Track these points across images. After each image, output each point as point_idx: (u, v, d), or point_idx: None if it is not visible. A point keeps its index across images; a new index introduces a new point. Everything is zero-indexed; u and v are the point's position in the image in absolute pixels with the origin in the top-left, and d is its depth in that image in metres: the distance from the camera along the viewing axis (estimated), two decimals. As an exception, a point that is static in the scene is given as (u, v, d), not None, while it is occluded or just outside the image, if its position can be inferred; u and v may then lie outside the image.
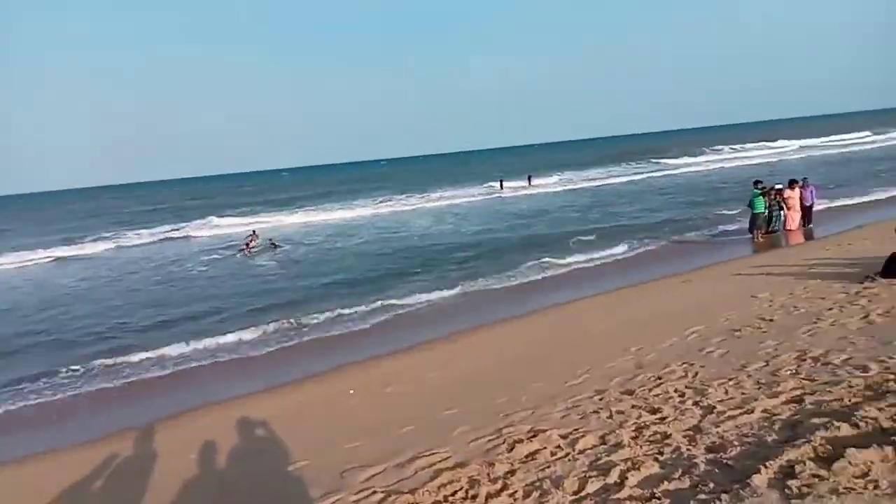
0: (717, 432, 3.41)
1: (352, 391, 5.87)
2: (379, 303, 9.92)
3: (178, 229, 26.14)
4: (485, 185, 36.69)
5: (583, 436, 3.84)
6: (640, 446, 3.47)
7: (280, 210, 31.85)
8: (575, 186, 31.62)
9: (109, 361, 7.91)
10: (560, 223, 18.20)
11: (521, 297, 9.71)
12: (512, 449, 3.87)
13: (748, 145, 50.39)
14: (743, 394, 4.04)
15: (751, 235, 12.66)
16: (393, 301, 10.04)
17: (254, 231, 19.54)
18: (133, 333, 9.46)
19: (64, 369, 7.66)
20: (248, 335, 8.67)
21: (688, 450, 3.24)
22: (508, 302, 9.43)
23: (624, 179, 33.01)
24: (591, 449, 3.62)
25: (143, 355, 8.03)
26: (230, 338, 8.56)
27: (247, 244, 17.90)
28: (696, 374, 4.75)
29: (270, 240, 18.53)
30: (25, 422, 6.41)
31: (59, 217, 46.11)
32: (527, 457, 3.71)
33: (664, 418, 3.88)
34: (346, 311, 9.56)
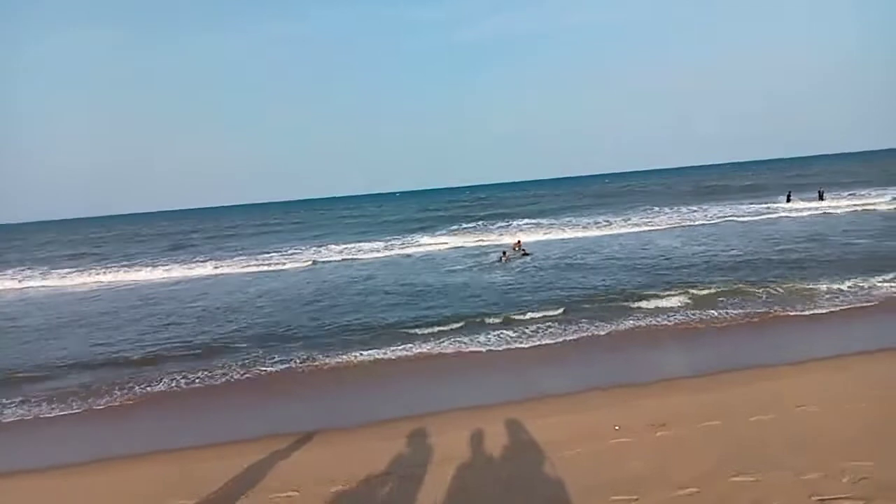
0: None
1: (617, 427, 5.10)
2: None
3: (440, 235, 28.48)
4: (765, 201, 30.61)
5: None
6: None
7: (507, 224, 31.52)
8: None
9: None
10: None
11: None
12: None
13: None
14: None
15: None
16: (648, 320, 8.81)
17: (518, 241, 20.98)
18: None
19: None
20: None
21: None
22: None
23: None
24: None
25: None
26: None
27: (504, 252, 18.87)
28: None
29: (523, 249, 19.34)
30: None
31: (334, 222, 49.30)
32: None
33: None
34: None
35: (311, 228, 42.09)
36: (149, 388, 7.95)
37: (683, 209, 30.81)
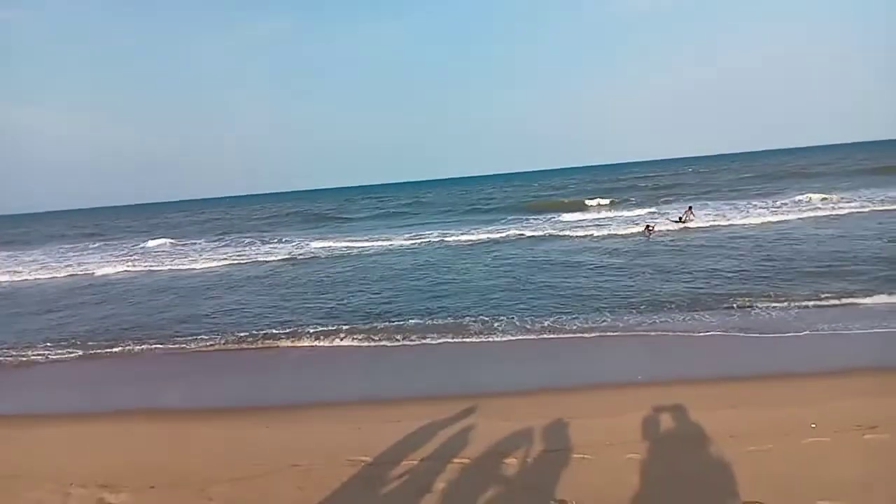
0: None
1: (813, 425, 4.58)
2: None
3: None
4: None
5: None
6: None
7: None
8: None
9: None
10: None
11: None
12: None
13: None
14: None
15: None
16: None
17: (690, 207, 21.05)
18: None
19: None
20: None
21: None
22: None
23: None
24: None
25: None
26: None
27: (648, 227, 18.70)
28: None
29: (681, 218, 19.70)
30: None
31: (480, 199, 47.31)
32: None
33: None
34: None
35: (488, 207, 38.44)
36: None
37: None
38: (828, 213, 19.35)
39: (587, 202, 32.64)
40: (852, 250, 12.33)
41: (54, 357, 9.11)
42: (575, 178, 75.53)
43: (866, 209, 19.52)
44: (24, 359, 9.13)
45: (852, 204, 20.81)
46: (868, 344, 6.87)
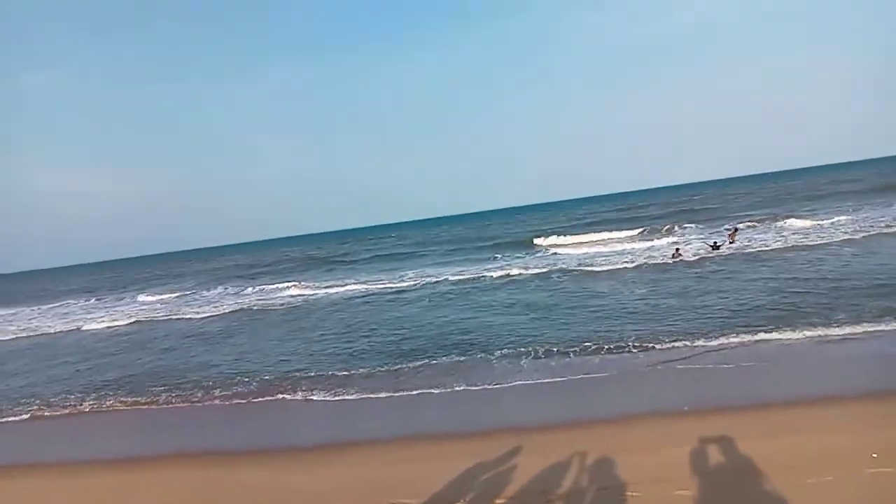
0: None
1: (875, 455, 4.36)
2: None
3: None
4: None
5: None
6: None
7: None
8: None
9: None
10: None
11: None
12: None
13: None
14: None
15: None
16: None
17: (736, 228, 20.85)
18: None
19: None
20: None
21: None
22: None
23: None
24: None
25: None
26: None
27: (677, 249, 18.37)
28: None
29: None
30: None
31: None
32: None
33: None
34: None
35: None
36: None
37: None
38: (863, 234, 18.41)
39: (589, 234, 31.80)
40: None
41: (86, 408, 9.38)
42: (585, 208, 74.24)
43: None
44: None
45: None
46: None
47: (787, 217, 24.60)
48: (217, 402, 8.84)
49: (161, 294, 30.08)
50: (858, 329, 8.11)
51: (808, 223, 22.44)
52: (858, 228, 18.91)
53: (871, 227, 19.04)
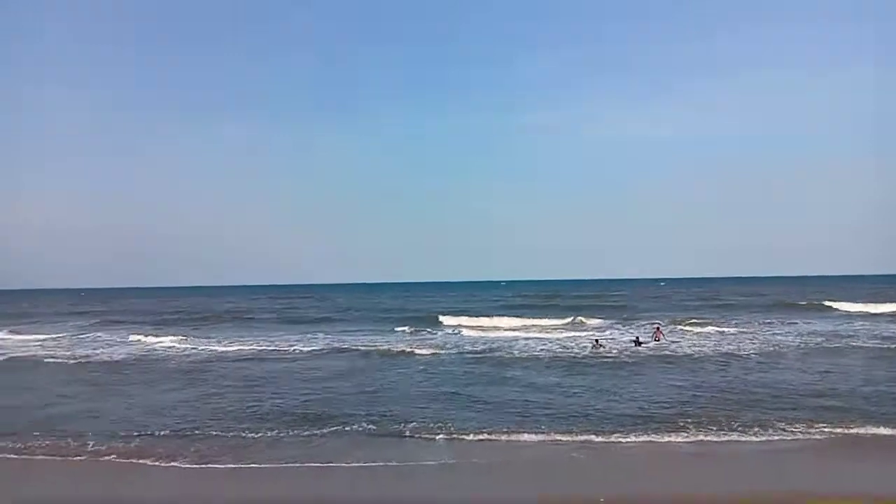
0: None
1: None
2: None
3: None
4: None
5: None
6: None
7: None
8: None
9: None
10: None
11: None
12: None
13: None
14: None
15: None
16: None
17: (658, 327, 22.42)
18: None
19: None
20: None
21: None
22: None
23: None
24: None
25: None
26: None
27: (596, 340, 19.74)
28: None
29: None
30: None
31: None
32: None
33: None
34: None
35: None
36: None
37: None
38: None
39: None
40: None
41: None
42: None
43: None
44: None
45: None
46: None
47: (707, 324, 26.55)
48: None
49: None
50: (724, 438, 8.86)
51: (725, 329, 24.45)
52: (764, 340, 20.63)
53: (776, 337, 21.05)
